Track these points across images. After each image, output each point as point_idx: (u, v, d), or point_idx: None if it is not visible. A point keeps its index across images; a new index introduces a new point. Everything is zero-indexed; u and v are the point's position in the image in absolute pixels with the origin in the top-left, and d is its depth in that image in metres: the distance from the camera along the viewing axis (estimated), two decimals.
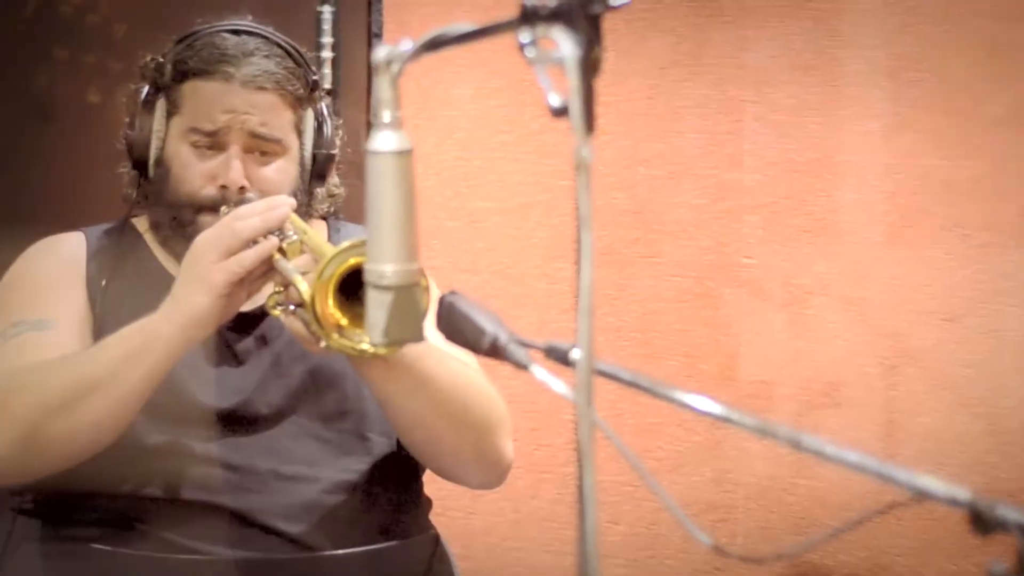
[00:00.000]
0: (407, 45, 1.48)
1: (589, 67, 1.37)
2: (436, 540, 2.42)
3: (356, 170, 2.47)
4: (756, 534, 3.20)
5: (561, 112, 1.36)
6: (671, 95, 3.24)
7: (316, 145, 2.41)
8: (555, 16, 1.38)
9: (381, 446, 2.36)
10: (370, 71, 3.39)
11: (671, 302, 3.25)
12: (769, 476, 3.19)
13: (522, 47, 1.39)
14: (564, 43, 1.36)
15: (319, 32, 3.42)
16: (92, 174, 3.24)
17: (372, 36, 3.45)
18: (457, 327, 1.65)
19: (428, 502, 2.47)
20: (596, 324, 3.32)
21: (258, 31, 2.40)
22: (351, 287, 2.01)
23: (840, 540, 3.10)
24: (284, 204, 2.22)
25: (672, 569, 3.29)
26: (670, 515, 3.17)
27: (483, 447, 2.32)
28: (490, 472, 2.37)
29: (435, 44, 1.49)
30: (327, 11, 3.43)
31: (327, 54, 3.44)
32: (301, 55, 2.42)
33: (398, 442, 2.36)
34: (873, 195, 3.12)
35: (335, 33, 3.44)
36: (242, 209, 2.22)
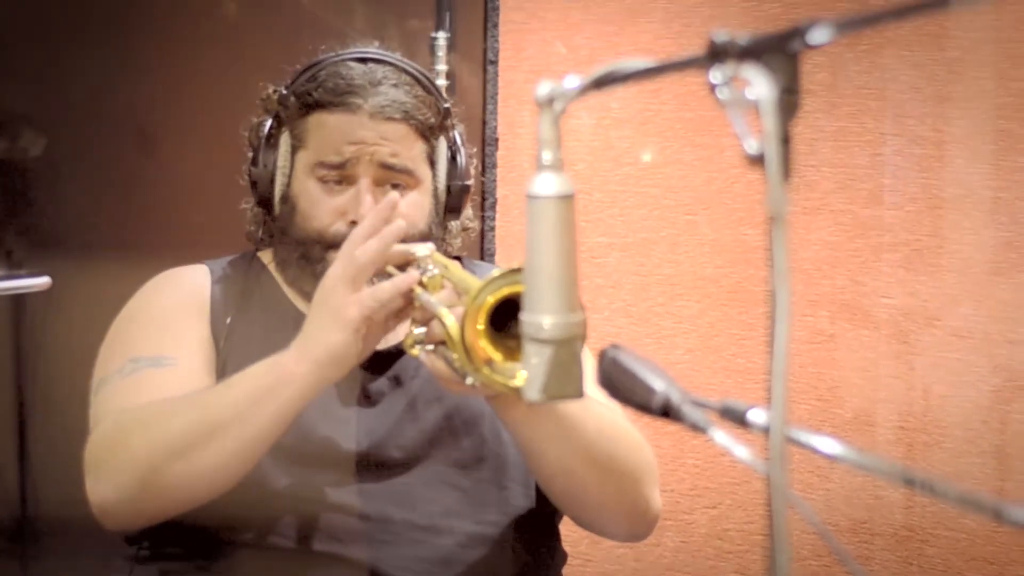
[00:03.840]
0: (572, 81, 1.37)
1: (787, 110, 1.26)
2: None
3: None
4: None
5: (757, 159, 1.25)
6: (805, 127, 3.12)
7: (450, 176, 2.31)
8: (748, 53, 1.26)
9: (519, 497, 2.26)
10: (485, 98, 3.30)
11: (803, 343, 3.14)
12: (907, 526, 3.06)
13: (713, 88, 1.28)
14: (759, 83, 1.25)
15: (433, 58, 3.32)
16: (199, 202, 3.19)
17: (487, 63, 3.35)
18: (621, 385, 1.53)
19: (564, 556, 2.35)
20: (722, 365, 3.22)
21: (385, 58, 2.30)
22: (501, 320, 1.88)
23: None
24: (388, 207, 2.07)
25: None
26: (799, 565, 3.05)
27: (629, 497, 2.21)
28: (636, 523, 2.26)
29: (605, 81, 1.38)
30: (442, 37, 3.34)
31: (441, 81, 3.35)
32: (431, 82, 2.32)
33: (537, 492, 2.25)
34: None
35: (449, 60, 3.34)
36: (355, 232, 2.08)
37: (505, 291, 1.86)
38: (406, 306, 2.06)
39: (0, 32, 3.23)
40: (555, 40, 3.25)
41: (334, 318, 2.02)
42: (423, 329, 2.03)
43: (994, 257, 3.04)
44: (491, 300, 1.86)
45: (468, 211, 2.39)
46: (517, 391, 1.89)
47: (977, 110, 3.03)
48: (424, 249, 2.08)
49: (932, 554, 3.07)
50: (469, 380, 1.92)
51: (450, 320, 1.91)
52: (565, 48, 3.22)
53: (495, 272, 1.87)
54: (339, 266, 2.05)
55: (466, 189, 2.34)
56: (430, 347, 2.02)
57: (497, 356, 1.89)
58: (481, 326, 1.87)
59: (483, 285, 1.86)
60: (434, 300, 2.00)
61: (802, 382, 3.14)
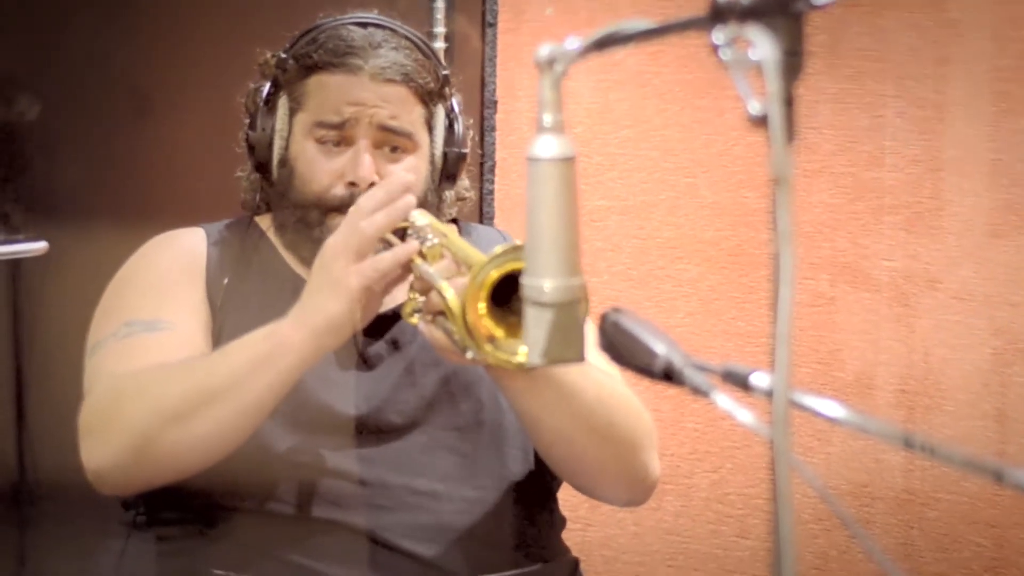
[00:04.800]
0: (573, 43, 1.36)
1: (791, 71, 1.26)
2: (575, 565, 2.30)
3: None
4: (895, 551, 3.07)
5: (760, 121, 1.24)
6: (806, 88, 3.07)
7: (447, 143, 2.30)
8: (751, 14, 1.25)
9: (517, 462, 2.25)
10: (484, 61, 3.28)
11: (804, 306, 3.13)
12: (908, 490, 3.06)
13: (716, 48, 1.26)
14: (762, 44, 1.24)
15: (431, 21, 3.30)
16: (196, 167, 3.17)
17: (486, 25, 3.33)
18: (623, 348, 1.51)
19: (563, 521, 2.34)
20: (722, 329, 3.20)
21: (385, 23, 2.29)
22: (502, 294, 1.87)
23: None
24: (401, 187, 2.07)
25: None
26: (800, 528, 3.04)
27: (628, 463, 2.21)
28: (635, 489, 2.26)
29: (606, 43, 1.37)
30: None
31: (439, 44, 3.32)
32: (430, 48, 2.31)
33: (535, 457, 2.24)
34: None
35: (448, 22, 3.32)
36: (362, 201, 2.06)
37: (508, 267, 1.84)
38: (404, 274, 2.05)
39: None
40: (553, 2, 3.23)
41: (333, 287, 2.01)
42: (423, 298, 2.02)
43: (995, 219, 3.02)
44: (493, 276, 1.85)
45: (465, 181, 2.37)
46: (520, 367, 1.89)
47: (977, 72, 3.01)
48: (423, 218, 2.07)
49: (933, 517, 3.07)
50: (469, 355, 1.91)
51: (450, 294, 1.90)
52: (556, 10, 3.20)
53: (497, 249, 1.85)
54: (342, 235, 2.04)
55: (462, 157, 2.32)
56: (429, 316, 2.01)
57: (499, 333, 1.87)
58: (483, 304, 1.86)
59: (485, 263, 1.84)
60: (433, 272, 1.98)
61: (803, 345, 3.12)
